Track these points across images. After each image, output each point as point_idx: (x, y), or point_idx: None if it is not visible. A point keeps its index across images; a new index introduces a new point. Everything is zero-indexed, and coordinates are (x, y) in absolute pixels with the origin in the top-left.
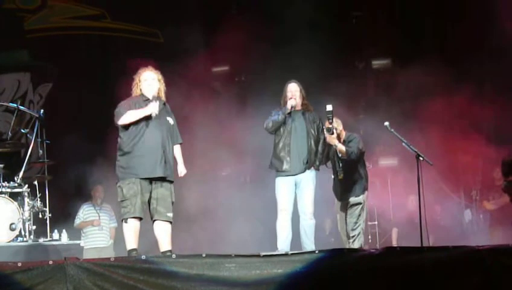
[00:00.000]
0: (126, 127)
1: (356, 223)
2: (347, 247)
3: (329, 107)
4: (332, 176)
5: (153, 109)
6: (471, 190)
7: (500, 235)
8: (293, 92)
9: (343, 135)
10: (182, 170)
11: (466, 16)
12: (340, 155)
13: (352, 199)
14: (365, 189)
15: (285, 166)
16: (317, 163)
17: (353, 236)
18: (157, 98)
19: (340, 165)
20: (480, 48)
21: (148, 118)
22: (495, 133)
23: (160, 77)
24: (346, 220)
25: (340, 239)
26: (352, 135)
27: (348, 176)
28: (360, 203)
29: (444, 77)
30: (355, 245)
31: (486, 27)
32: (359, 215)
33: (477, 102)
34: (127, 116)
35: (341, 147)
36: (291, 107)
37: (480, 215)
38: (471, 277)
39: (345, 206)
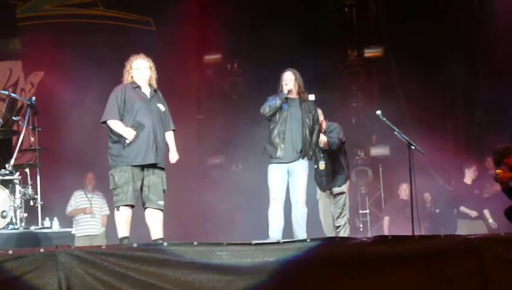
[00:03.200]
0: None
1: (341, 213)
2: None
3: (311, 97)
4: (315, 166)
5: (128, 135)
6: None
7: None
8: (288, 80)
9: (324, 124)
10: (174, 156)
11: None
12: (321, 145)
13: (336, 189)
14: (347, 178)
15: (279, 153)
16: (310, 153)
17: (339, 226)
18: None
19: (322, 155)
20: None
21: (138, 106)
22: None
23: (151, 64)
24: (331, 210)
25: (322, 228)
26: (332, 124)
27: (330, 166)
28: (343, 193)
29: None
30: (343, 234)
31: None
32: (344, 204)
33: (469, 91)
34: (111, 124)
35: (322, 137)
36: (288, 91)
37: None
38: (463, 266)
39: (328, 196)
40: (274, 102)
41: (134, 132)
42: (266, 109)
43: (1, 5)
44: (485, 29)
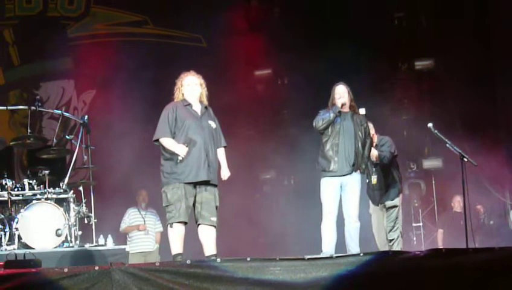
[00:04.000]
0: None
1: (394, 226)
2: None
3: (362, 111)
4: (366, 180)
5: (181, 152)
6: None
7: None
8: (341, 93)
9: (375, 138)
10: (225, 173)
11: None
12: (373, 160)
13: (388, 203)
14: (400, 192)
15: (332, 166)
16: (363, 166)
17: (392, 239)
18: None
19: (374, 169)
20: None
21: (189, 123)
22: None
23: (202, 81)
24: (384, 224)
25: (375, 241)
26: (384, 138)
27: (382, 180)
28: (396, 206)
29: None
30: (396, 248)
31: None
32: (396, 217)
33: None
34: (163, 141)
35: (373, 152)
36: (342, 105)
37: None
38: None
39: (381, 210)
40: (328, 115)
41: (187, 149)
42: (319, 122)
43: (53, 25)
44: None
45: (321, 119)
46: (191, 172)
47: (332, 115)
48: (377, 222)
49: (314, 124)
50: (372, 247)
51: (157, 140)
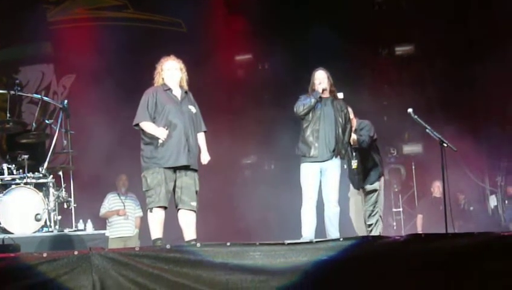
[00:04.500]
0: None
1: (373, 210)
2: (365, 234)
3: (340, 95)
4: (345, 166)
5: (161, 135)
6: (496, 176)
7: None
8: (321, 78)
9: (355, 122)
10: (205, 157)
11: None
12: (351, 144)
13: (368, 187)
14: (381, 175)
15: (313, 152)
16: (343, 151)
17: (371, 224)
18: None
19: (354, 154)
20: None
21: (169, 108)
22: None
23: (182, 66)
24: (362, 208)
25: (352, 224)
26: (363, 122)
27: (362, 164)
28: (376, 190)
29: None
30: (374, 233)
31: None
32: (376, 201)
33: (502, 88)
34: (143, 125)
35: (352, 136)
36: (322, 90)
37: (506, 201)
38: (496, 263)
39: (360, 194)
40: (308, 100)
41: (167, 131)
42: (300, 107)
43: (32, 9)
44: None
45: (302, 105)
46: (171, 156)
47: (313, 101)
48: (355, 205)
49: (295, 109)
50: (350, 231)
51: (138, 124)
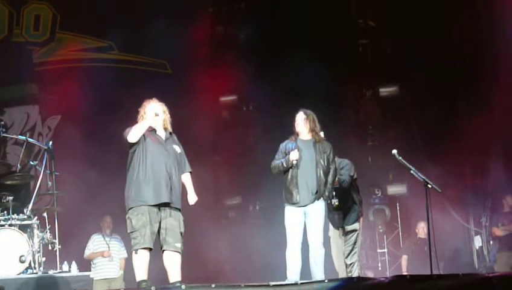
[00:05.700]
0: (132, 153)
1: (352, 250)
2: (345, 274)
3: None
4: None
5: (150, 120)
6: (480, 217)
7: (506, 260)
8: (299, 120)
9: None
10: (192, 197)
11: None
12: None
13: (348, 227)
14: (360, 215)
15: (294, 198)
16: (326, 193)
17: (351, 264)
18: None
19: (334, 193)
20: (493, 76)
21: (153, 147)
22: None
23: (165, 108)
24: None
25: (333, 263)
26: (343, 161)
27: (342, 203)
28: (355, 230)
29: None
30: (354, 272)
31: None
32: (355, 242)
33: (486, 127)
34: (133, 131)
35: None
36: (295, 160)
37: (490, 242)
38: None
39: (340, 236)
40: (280, 164)
41: (156, 117)
42: (273, 169)
43: (18, 50)
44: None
45: (275, 167)
46: (154, 194)
47: (283, 167)
48: (336, 246)
49: (271, 166)
50: (332, 270)
51: (131, 143)
